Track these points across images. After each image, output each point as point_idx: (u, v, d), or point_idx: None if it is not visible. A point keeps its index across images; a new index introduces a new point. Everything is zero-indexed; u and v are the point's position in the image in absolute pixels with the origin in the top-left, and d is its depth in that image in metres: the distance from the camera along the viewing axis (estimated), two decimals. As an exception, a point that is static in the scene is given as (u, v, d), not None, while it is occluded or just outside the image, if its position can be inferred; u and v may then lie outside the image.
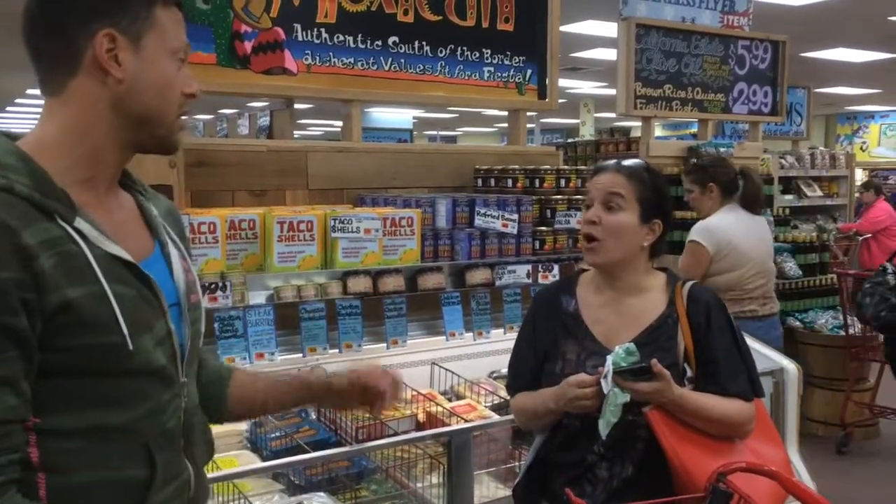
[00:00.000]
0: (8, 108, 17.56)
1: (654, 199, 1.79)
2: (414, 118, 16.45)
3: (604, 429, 1.65)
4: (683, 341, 1.76)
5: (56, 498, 1.06)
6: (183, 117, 1.22)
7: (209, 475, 1.65)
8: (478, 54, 3.75)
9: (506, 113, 4.11)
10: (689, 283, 1.84)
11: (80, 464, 1.09)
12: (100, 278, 1.07)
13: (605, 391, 1.65)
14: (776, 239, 5.45)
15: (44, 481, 1.05)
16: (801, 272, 5.31)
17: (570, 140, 10.29)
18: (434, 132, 23.34)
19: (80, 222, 1.08)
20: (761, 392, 1.85)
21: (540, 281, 3.13)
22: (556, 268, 3.18)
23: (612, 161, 1.85)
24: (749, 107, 5.92)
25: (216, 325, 2.49)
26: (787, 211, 5.89)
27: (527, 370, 1.87)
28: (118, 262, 1.11)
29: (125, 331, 1.09)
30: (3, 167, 1.05)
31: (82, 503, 1.10)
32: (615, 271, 1.81)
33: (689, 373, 1.75)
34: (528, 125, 4.18)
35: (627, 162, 1.82)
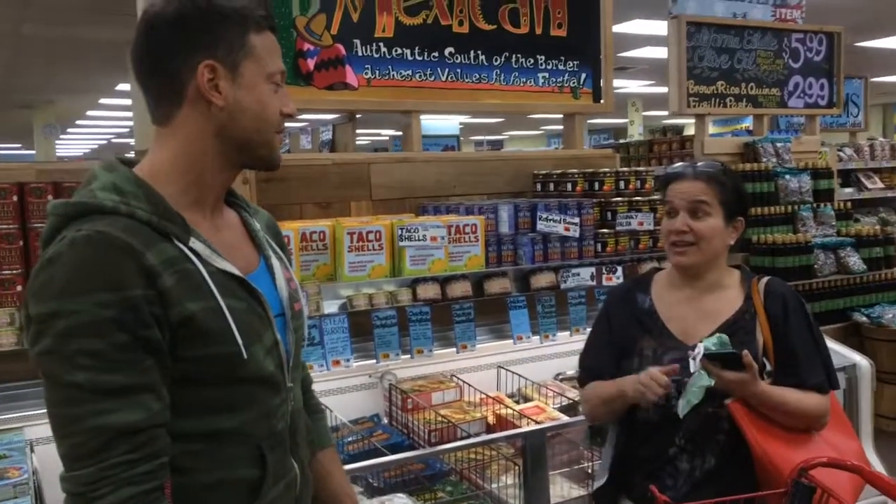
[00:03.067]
0: (69, 130, 18.18)
1: (735, 200, 1.82)
2: (460, 124, 16.53)
3: (683, 409, 1.68)
4: (762, 336, 1.78)
5: (180, 498, 1.14)
6: (279, 135, 1.28)
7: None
8: (532, 61, 3.80)
9: (554, 116, 4.14)
10: (766, 278, 1.86)
11: (200, 465, 1.18)
12: (215, 293, 1.15)
13: (692, 370, 1.67)
14: (838, 233, 5.36)
15: (170, 482, 1.12)
16: (865, 266, 5.21)
17: (621, 141, 10.22)
18: (480, 137, 23.37)
19: (194, 242, 1.17)
20: (837, 384, 1.86)
21: (604, 283, 3.16)
22: (619, 269, 3.21)
23: (687, 166, 1.86)
24: (805, 100, 5.83)
25: (294, 334, 2.58)
26: (849, 204, 5.77)
27: (603, 361, 1.90)
28: (229, 278, 1.20)
29: (240, 341, 1.16)
30: (125, 194, 1.14)
31: (202, 502, 1.18)
32: (700, 271, 1.84)
33: (769, 367, 1.77)
34: (582, 125, 4.21)
35: (703, 166, 1.85)
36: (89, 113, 14.98)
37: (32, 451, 2.24)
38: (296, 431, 1.34)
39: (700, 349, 1.66)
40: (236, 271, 1.21)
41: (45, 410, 1.10)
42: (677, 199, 1.81)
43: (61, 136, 18.14)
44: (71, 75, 10.64)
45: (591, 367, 1.93)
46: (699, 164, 1.86)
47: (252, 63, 1.21)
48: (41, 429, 2.23)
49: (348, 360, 2.66)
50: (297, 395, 1.38)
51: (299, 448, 1.35)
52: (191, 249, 1.16)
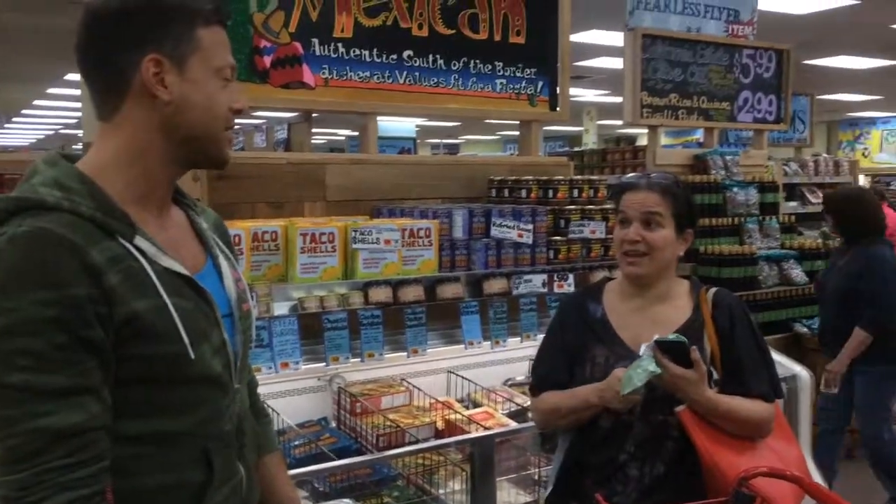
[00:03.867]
0: (14, 119, 17.64)
1: (686, 212, 1.86)
2: (417, 126, 16.52)
3: (625, 386, 1.69)
4: (710, 345, 1.81)
5: (122, 501, 1.11)
6: (229, 131, 1.26)
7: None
8: (490, 67, 3.82)
9: (510, 122, 4.16)
10: (714, 289, 1.91)
11: (144, 468, 1.15)
12: (161, 292, 1.13)
13: (640, 353, 1.71)
14: (782, 246, 5.51)
15: (111, 485, 1.10)
16: (807, 279, 5.36)
17: (575, 149, 10.35)
18: (437, 140, 23.41)
19: (139, 240, 1.14)
20: (781, 393, 1.91)
21: (556, 290, 3.18)
22: (570, 277, 3.24)
23: (641, 177, 1.90)
24: (754, 115, 5.98)
25: (242, 335, 2.54)
26: (793, 218, 5.94)
27: (556, 370, 1.92)
28: (175, 276, 1.17)
29: (186, 340, 1.14)
30: (68, 190, 1.11)
31: None
32: (651, 281, 1.87)
33: (716, 375, 1.80)
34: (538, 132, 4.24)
35: (657, 178, 1.88)
36: (36, 102, 14.56)
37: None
38: (242, 434, 1.33)
39: (654, 337, 1.70)
40: (183, 270, 1.19)
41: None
42: (631, 209, 1.84)
43: (5, 126, 17.60)
44: (16, 63, 10.32)
45: (546, 375, 1.94)
46: (653, 175, 1.89)
47: (200, 57, 1.19)
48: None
49: (297, 363, 2.62)
50: (244, 398, 1.37)
51: (245, 451, 1.34)
52: (136, 247, 1.14)
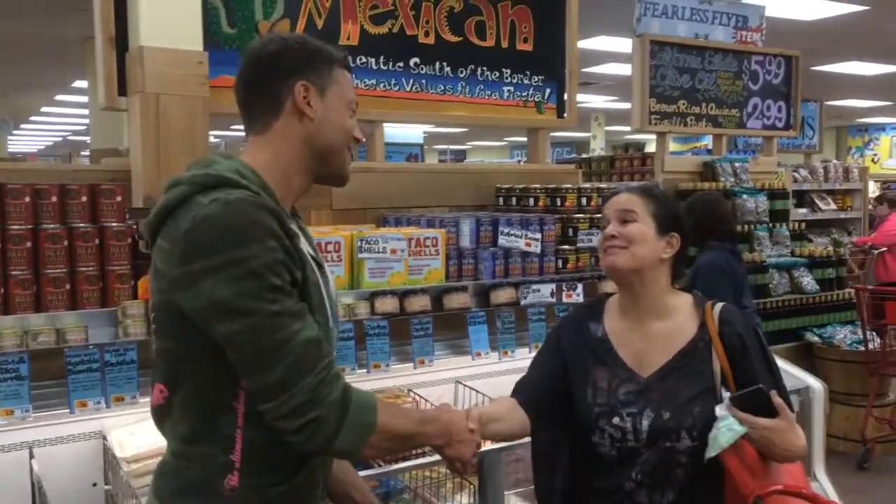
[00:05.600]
0: (22, 126, 17.73)
1: (666, 214, 1.82)
2: (424, 133, 16.53)
3: (711, 450, 1.62)
4: (718, 364, 1.76)
5: (248, 452, 1.34)
6: (349, 154, 1.52)
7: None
8: (497, 74, 3.80)
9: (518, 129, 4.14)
10: (720, 305, 1.83)
11: (265, 423, 1.31)
12: (314, 268, 1.39)
13: (717, 414, 1.64)
14: (792, 253, 5.46)
15: (241, 437, 1.33)
16: (818, 287, 5.31)
17: (584, 156, 10.32)
18: (444, 146, 23.41)
19: (293, 225, 1.38)
20: (793, 410, 1.85)
21: (564, 300, 3.15)
22: (579, 286, 3.20)
23: (623, 185, 1.89)
24: (763, 122, 5.94)
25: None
26: (803, 225, 5.89)
27: (528, 381, 1.88)
28: (316, 264, 1.42)
29: (329, 312, 1.41)
30: (245, 177, 1.36)
31: (266, 457, 1.35)
32: (635, 285, 1.80)
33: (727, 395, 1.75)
34: (546, 139, 4.21)
35: (637, 184, 1.88)
36: (44, 109, 14.62)
37: (32, 455, 2.20)
38: None
39: (726, 395, 1.65)
40: (318, 257, 1.45)
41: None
42: (609, 211, 1.84)
43: (14, 133, 17.67)
44: (25, 70, 10.36)
45: (516, 387, 1.90)
46: (633, 184, 1.87)
47: (336, 90, 1.47)
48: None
49: (303, 374, 2.59)
50: None
51: None
52: (295, 230, 1.38)
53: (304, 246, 1.39)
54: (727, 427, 1.61)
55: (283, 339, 1.26)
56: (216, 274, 1.24)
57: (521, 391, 1.89)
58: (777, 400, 1.62)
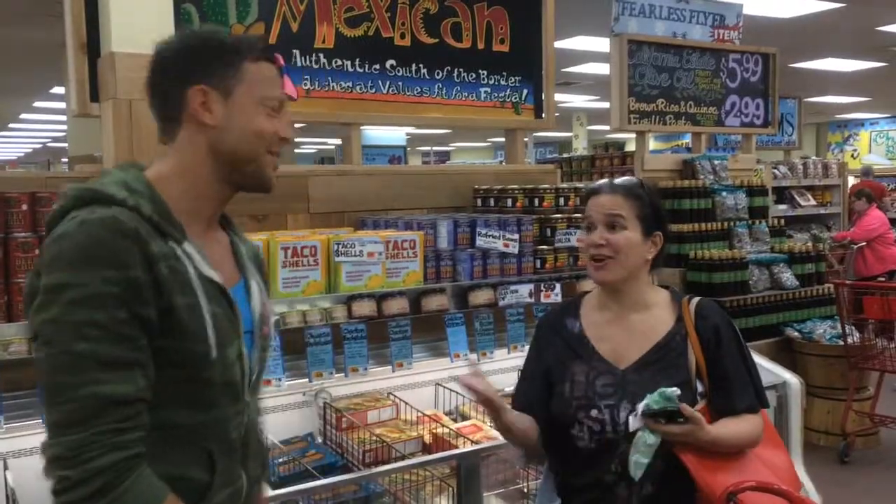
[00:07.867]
0: (1, 133, 17.56)
1: (652, 214, 1.82)
2: (407, 135, 16.53)
3: (635, 469, 1.66)
4: (694, 357, 1.77)
5: None
6: (271, 156, 1.39)
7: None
8: (474, 75, 3.80)
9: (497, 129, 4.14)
10: (696, 299, 1.86)
11: (155, 456, 1.21)
12: (198, 293, 1.26)
13: (632, 428, 1.66)
14: (772, 249, 5.49)
15: None
16: (797, 282, 5.34)
17: (564, 155, 10.35)
18: (427, 148, 23.41)
19: (187, 245, 1.28)
20: (767, 404, 1.87)
21: (542, 300, 3.15)
22: (557, 286, 3.20)
23: (605, 182, 1.87)
24: (741, 119, 5.98)
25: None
26: (782, 221, 5.93)
27: (531, 395, 1.88)
28: (212, 285, 1.30)
29: (212, 341, 1.26)
30: (134, 192, 1.27)
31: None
32: (622, 287, 1.82)
33: (701, 388, 1.77)
34: (523, 139, 4.22)
35: (621, 181, 1.86)
36: (23, 116, 14.50)
37: (6, 467, 2.19)
38: (247, 444, 1.40)
39: (640, 408, 1.65)
40: (219, 279, 1.32)
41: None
42: (595, 213, 1.82)
43: (-7, 139, 17.52)
44: (2, 77, 10.26)
45: (521, 403, 1.90)
46: (617, 179, 1.87)
47: (244, 88, 1.34)
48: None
49: (280, 380, 2.58)
50: (254, 413, 1.43)
51: (248, 461, 1.41)
52: (184, 252, 1.27)
53: (193, 268, 1.26)
54: (643, 442, 1.65)
55: (71, 384, 1.13)
56: (44, 294, 1.16)
57: (526, 406, 1.88)
58: (687, 411, 1.65)
